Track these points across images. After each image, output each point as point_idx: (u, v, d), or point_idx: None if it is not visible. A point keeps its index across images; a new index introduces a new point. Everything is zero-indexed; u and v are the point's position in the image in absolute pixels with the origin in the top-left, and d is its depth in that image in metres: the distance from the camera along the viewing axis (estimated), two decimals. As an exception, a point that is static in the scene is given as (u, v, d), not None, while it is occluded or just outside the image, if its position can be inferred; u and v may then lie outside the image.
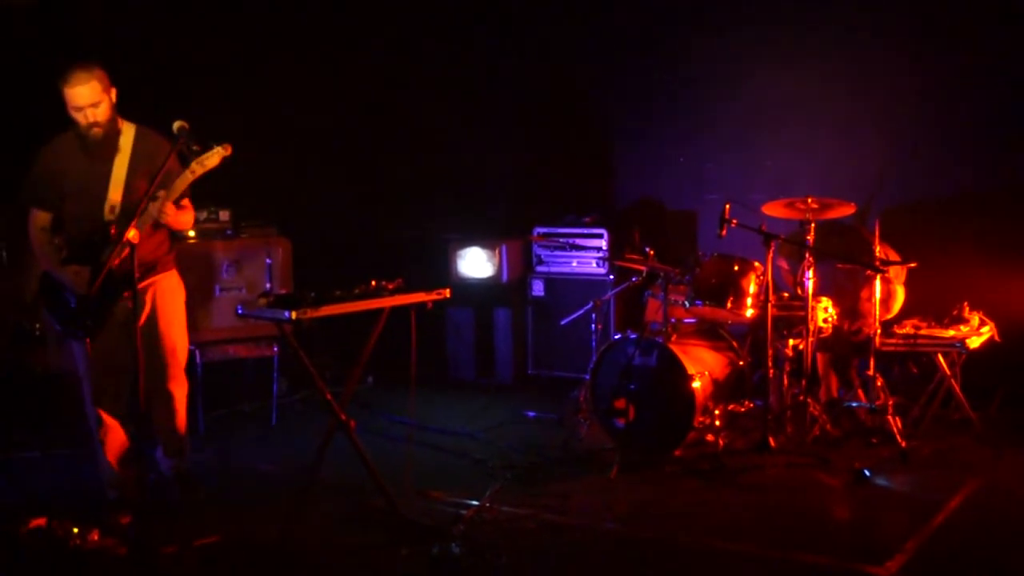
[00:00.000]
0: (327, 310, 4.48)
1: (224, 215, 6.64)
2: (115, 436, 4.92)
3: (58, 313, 4.78)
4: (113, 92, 4.75)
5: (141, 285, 4.78)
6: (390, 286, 4.72)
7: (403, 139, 8.31)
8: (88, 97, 4.64)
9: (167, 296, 5.01)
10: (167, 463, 5.12)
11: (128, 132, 4.82)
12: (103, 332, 4.70)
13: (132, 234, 4.27)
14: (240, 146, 4.65)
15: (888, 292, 6.15)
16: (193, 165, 4.61)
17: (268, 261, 6.59)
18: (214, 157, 4.59)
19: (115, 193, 4.77)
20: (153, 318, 4.94)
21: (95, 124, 4.69)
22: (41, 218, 4.82)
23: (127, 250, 4.45)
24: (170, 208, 4.69)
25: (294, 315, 4.37)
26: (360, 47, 8.17)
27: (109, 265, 4.42)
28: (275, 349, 6.69)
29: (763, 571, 4.30)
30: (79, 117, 4.67)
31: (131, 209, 4.60)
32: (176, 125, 4.57)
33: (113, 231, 4.59)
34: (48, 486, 5.46)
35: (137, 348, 4.27)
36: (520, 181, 8.15)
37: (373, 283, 4.70)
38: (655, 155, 7.74)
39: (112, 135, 4.76)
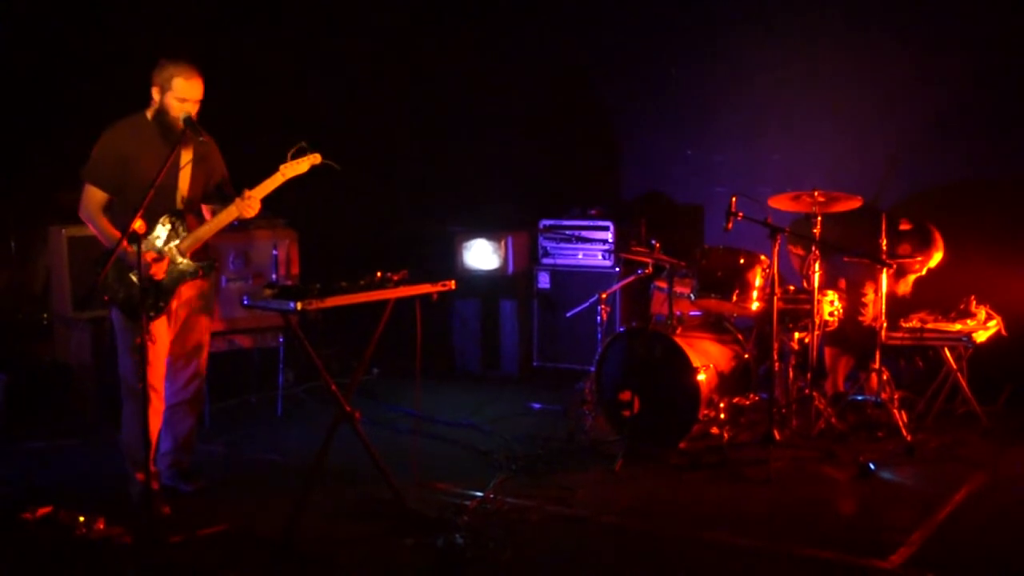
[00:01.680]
0: (332, 301, 4.49)
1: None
2: (157, 419, 4.87)
3: (119, 291, 4.77)
4: None
5: (210, 274, 4.98)
6: (395, 277, 4.72)
7: (409, 132, 8.31)
8: (198, 93, 4.74)
9: (215, 287, 5.17)
10: (170, 459, 5.12)
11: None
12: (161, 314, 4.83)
13: (139, 224, 4.31)
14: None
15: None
16: (283, 168, 4.79)
17: (275, 252, 6.59)
18: (304, 164, 4.81)
19: (184, 184, 4.85)
20: (204, 306, 5.05)
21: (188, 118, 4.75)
22: (100, 197, 4.79)
23: (205, 238, 4.84)
24: (257, 205, 4.81)
25: (299, 306, 4.38)
26: (366, 41, 8.16)
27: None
28: (281, 340, 6.70)
29: (767, 564, 4.30)
30: (178, 108, 4.70)
31: (195, 201, 4.90)
32: (183, 111, 4.66)
33: (191, 220, 4.84)
34: (54, 476, 5.47)
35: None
36: (526, 173, 8.14)
37: (379, 274, 4.71)
38: (662, 148, 7.73)
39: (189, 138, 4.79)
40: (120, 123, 4.83)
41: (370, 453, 4.79)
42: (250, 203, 4.79)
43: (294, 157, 4.78)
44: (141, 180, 4.64)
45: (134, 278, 4.69)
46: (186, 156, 4.82)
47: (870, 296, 6.22)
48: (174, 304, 4.88)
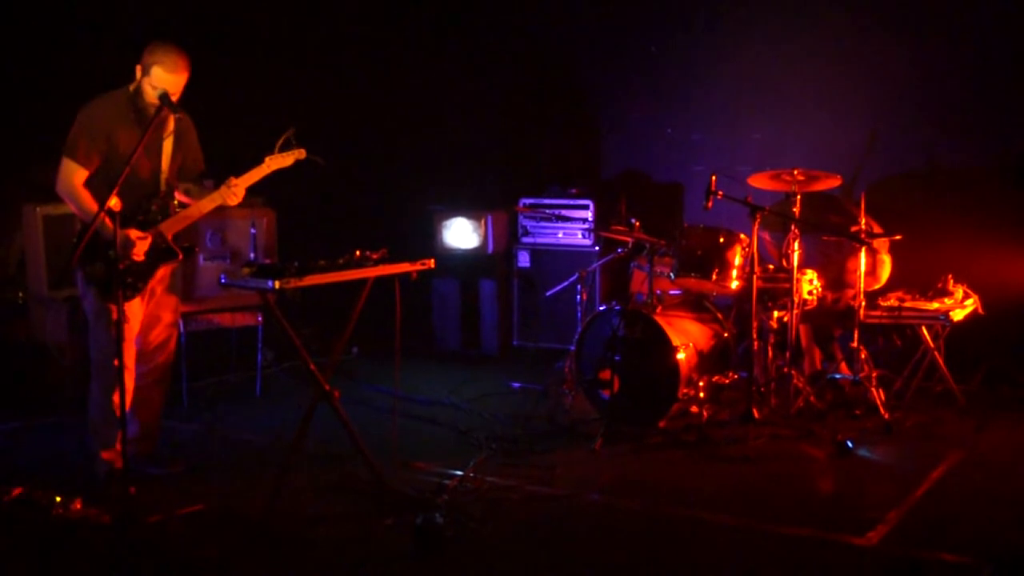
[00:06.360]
0: (311, 280, 4.46)
1: (208, 184, 6.58)
2: (129, 398, 4.75)
3: (97, 270, 4.71)
4: None
5: (181, 258, 4.93)
6: (374, 256, 4.69)
7: (389, 110, 8.26)
8: (176, 87, 4.67)
9: (182, 267, 5.16)
10: (136, 447, 5.03)
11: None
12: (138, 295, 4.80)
13: (114, 202, 4.26)
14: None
15: (875, 262, 6.16)
16: (269, 160, 4.79)
17: (253, 231, 6.55)
18: (289, 158, 4.82)
19: (165, 164, 4.83)
20: (173, 285, 5.05)
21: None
22: (81, 174, 4.70)
23: (187, 222, 4.84)
24: (242, 193, 4.80)
25: (277, 285, 4.35)
26: (345, 20, 8.09)
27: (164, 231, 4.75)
28: (259, 319, 6.67)
29: (746, 542, 4.32)
30: (152, 95, 4.63)
31: (174, 181, 4.88)
32: (158, 92, 4.57)
33: (174, 203, 4.83)
34: (29, 456, 5.43)
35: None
36: (506, 152, 8.12)
37: (357, 253, 4.68)
38: (642, 126, 7.72)
39: (167, 115, 4.73)
40: (98, 99, 4.76)
41: (349, 432, 4.77)
42: (235, 191, 4.77)
43: (282, 149, 4.79)
44: (117, 158, 4.62)
45: (112, 255, 4.62)
46: (166, 135, 4.76)
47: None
48: (150, 284, 4.84)
